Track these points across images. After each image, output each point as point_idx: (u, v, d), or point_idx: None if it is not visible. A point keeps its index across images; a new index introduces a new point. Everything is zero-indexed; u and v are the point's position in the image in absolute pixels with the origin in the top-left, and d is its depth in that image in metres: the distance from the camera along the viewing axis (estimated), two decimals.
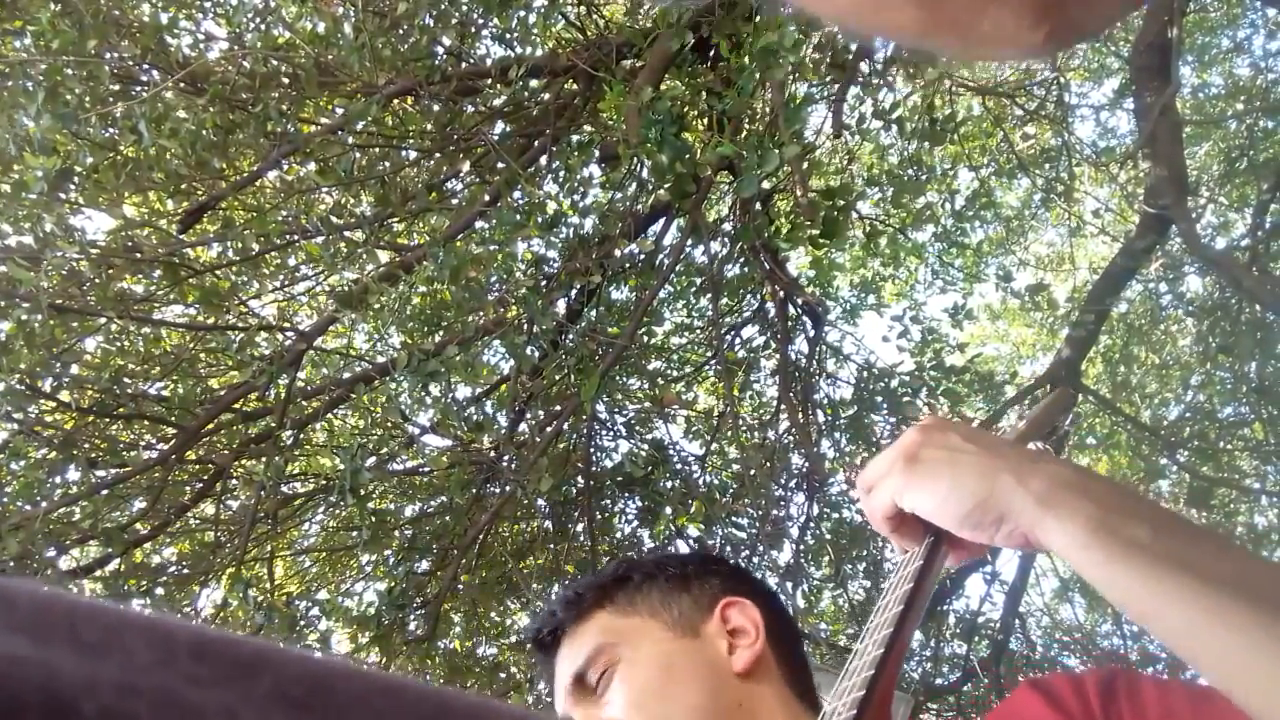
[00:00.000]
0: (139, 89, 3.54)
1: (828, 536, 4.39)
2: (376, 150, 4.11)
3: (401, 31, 3.41)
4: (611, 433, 4.76)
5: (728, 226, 4.30)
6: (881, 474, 0.64)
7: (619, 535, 4.70)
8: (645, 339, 4.84)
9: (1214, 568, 0.48)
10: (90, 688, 0.21)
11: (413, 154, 4.34)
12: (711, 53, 3.87)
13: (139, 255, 3.46)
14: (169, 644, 0.23)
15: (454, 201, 4.27)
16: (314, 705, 0.24)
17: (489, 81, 3.85)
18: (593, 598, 0.89)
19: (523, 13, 3.65)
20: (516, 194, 3.75)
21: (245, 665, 0.24)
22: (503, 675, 4.47)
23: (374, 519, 3.71)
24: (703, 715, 0.76)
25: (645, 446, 4.65)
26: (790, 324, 4.42)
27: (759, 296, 4.60)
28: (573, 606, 0.89)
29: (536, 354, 3.86)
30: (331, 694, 0.25)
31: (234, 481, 4.18)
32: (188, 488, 3.97)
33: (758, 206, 3.88)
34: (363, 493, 3.25)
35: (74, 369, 3.72)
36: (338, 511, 4.51)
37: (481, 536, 4.09)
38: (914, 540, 0.66)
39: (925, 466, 0.60)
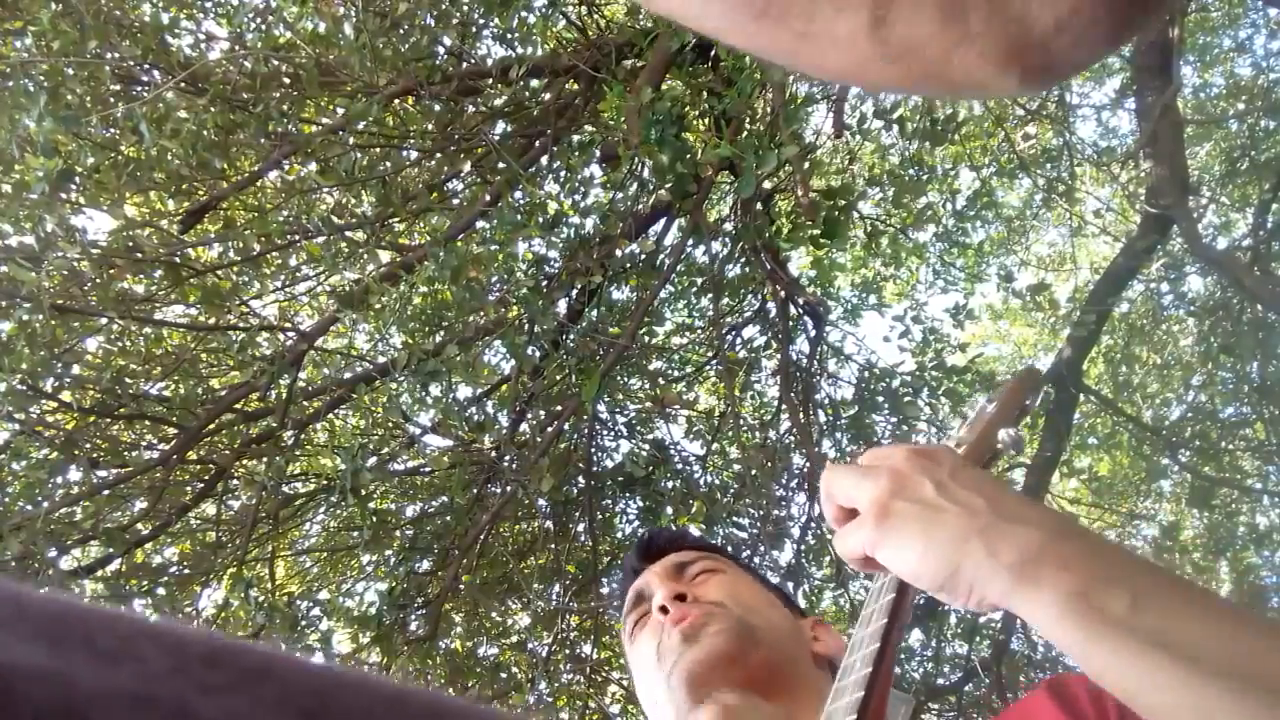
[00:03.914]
0: (140, 89, 3.54)
1: (829, 537, 4.39)
2: (377, 150, 4.11)
3: (402, 31, 3.42)
4: (612, 433, 4.76)
5: (729, 226, 4.30)
6: (850, 496, 0.63)
7: (620, 535, 4.69)
8: (646, 339, 4.84)
9: (1200, 645, 0.46)
10: (104, 699, 0.21)
11: (414, 154, 4.34)
12: (712, 53, 3.87)
13: (140, 255, 3.47)
14: (182, 651, 0.24)
15: (455, 201, 4.28)
16: (321, 713, 0.24)
17: (490, 81, 3.85)
18: (715, 547, 1.02)
19: (523, 13, 3.65)
20: (517, 194, 3.76)
21: (255, 672, 0.24)
22: (503, 676, 4.47)
23: (375, 519, 3.71)
24: (778, 629, 0.86)
25: (646, 446, 4.65)
26: (791, 324, 4.42)
27: (760, 296, 4.60)
28: (697, 539, 1.02)
29: (537, 354, 3.86)
30: (339, 703, 0.25)
31: (235, 482, 4.18)
32: (189, 488, 3.97)
33: (758, 206, 3.88)
34: (364, 493, 3.26)
35: (75, 369, 3.72)
36: (339, 512, 4.51)
37: (482, 536, 4.09)
38: (883, 570, 0.65)
39: (897, 524, 0.58)
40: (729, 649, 0.79)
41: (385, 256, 4.02)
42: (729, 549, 1.13)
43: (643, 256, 4.21)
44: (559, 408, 4.01)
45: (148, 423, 4.05)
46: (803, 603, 4.54)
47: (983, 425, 0.72)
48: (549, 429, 3.93)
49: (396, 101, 3.94)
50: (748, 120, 3.78)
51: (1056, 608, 0.50)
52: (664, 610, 0.86)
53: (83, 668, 0.22)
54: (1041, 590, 0.51)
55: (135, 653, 0.23)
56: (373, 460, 3.36)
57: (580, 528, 4.50)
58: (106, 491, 3.64)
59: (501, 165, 3.75)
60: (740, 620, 0.83)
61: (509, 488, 3.78)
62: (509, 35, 3.79)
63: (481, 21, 3.84)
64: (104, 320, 3.64)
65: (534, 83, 4.02)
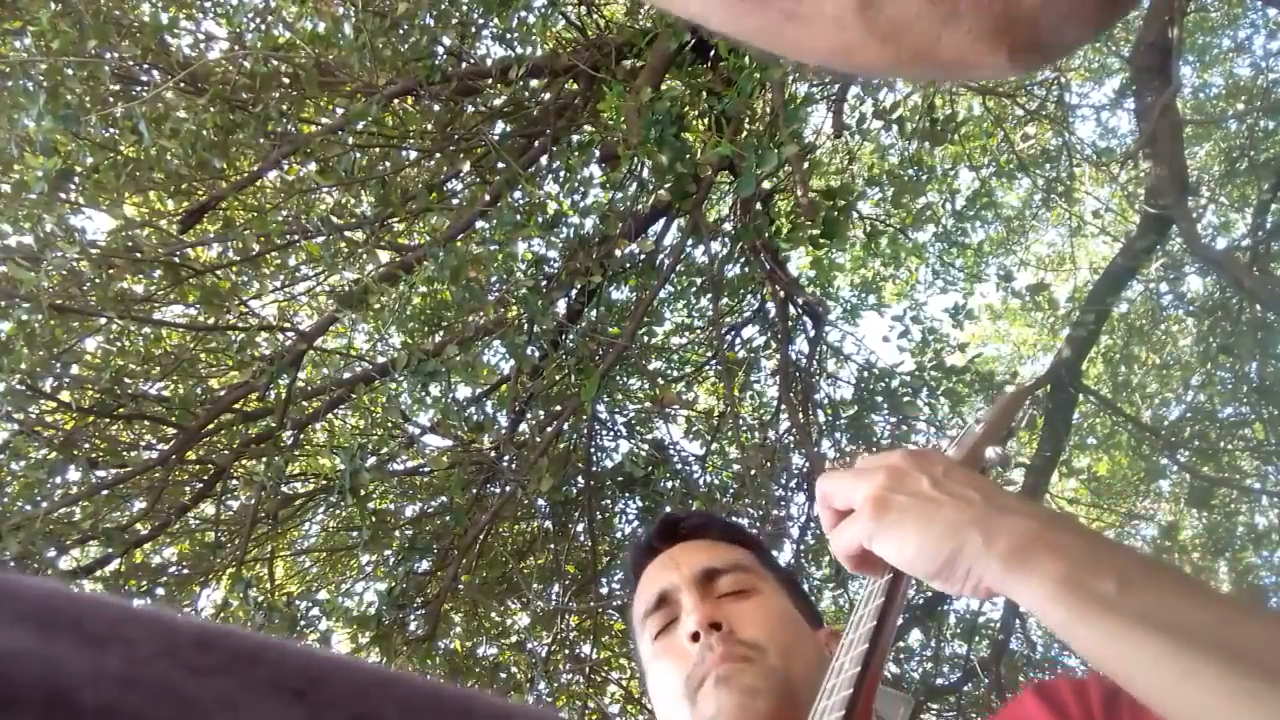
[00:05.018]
0: (139, 89, 3.54)
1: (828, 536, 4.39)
2: (377, 150, 4.11)
3: (402, 31, 3.41)
4: (612, 433, 4.76)
5: (728, 226, 4.30)
6: (847, 498, 0.64)
7: (619, 535, 4.70)
8: (645, 339, 4.84)
9: (1185, 623, 0.47)
10: (90, 680, 0.21)
11: (413, 154, 4.34)
12: (711, 53, 3.87)
13: (139, 255, 3.46)
14: (172, 635, 0.24)
15: (454, 201, 4.27)
16: (310, 695, 0.24)
17: (489, 81, 3.85)
18: (742, 535, 0.98)
19: (523, 13, 3.65)
20: (517, 194, 3.76)
21: (245, 655, 0.24)
22: (503, 675, 4.47)
23: (374, 519, 3.71)
24: (813, 676, 0.81)
25: (645, 446, 4.65)
26: (791, 324, 4.42)
27: (759, 296, 4.60)
28: (728, 527, 0.98)
29: (537, 354, 3.86)
30: (328, 685, 0.25)
31: (234, 482, 4.18)
32: (188, 488, 3.97)
33: (758, 206, 3.88)
34: (363, 493, 3.26)
35: (74, 369, 3.72)
36: (338, 511, 4.51)
37: (482, 536, 4.09)
38: (876, 571, 0.66)
39: (894, 517, 0.60)
40: (758, 714, 0.76)
41: (384, 256, 4.02)
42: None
43: (642, 256, 4.21)
44: (558, 408, 4.01)
45: (147, 423, 4.04)
46: None
47: (970, 444, 0.75)
48: (548, 429, 3.93)
49: (396, 101, 3.93)
50: (747, 120, 3.78)
51: (1048, 590, 0.52)
52: (694, 637, 0.82)
53: (70, 651, 0.22)
54: (1034, 575, 0.53)
55: (124, 636, 0.23)
56: (372, 460, 3.36)
57: (579, 528, 4.50)
58: (105, 491, 3.64)
59: (501, 165, 3.74)
60: (781, 677, 0.79)
61: (508, 488, 3.78)
62: (508, 35, 3.79)
63: (481, 21, 3.84)
64: (103, 320, 3.64)
65: (533, 83, 4.02)
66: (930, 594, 4.42)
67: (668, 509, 4.20)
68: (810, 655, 0.84)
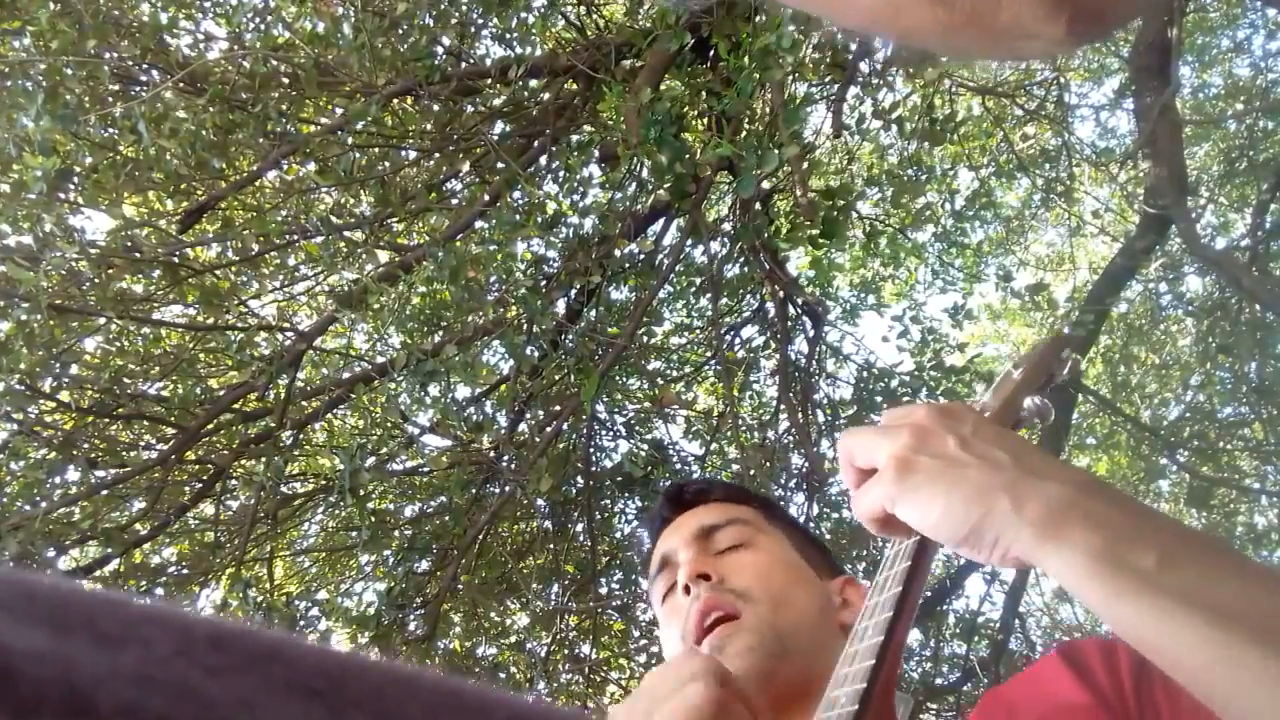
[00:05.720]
0: (138, 89, 3.54)
1: (827, 536, 4.39)
2: (376, 150, 4.11)
3: (401, 31, 3.41)
4: (611, 433, 4.76)
5: (727, 226, 4.30)
6: (870, 456, 0.61)
7: (619, 535, 4.70)
8: (645, 339, 4.84)
9: (1228, 602, 0.44)
10: (107, 680, 0.21)
11: (412, 154, 4.34)
12: (711, 53, 3.87)
13: (139, 255, 3.46)
14: (187, 635, 0.24)
15: (454, 201, 4.27)
16: (328, 694, 0.24)
17: (489, 81, 3.85)
18: (746, 495, 0.98)
19: (522, 13, 3.65)
20: (516, 194, 3.76)
21: (261, 655, 0.24)
22: (502, 676, 4.47)
23: (374, 519, 3.71)
24: (809, 624, 0.82)
25: (645, 446, 4.65)
26: (790, 324, 4.42)
27: (759, 296, 4.60)
28: (727, 488, 0.99)
29: (536, 354, 3.86)
30: (346, 684, 0.25)
31: (234, 482, 4.18)
32: (187, 488, 3.96)
33: (757, 206, 3.88)
34: (362, 493, 3.25)
35: (74, 369, 3.72)
36: (337, 512, 4.51)
37: (481, 536, 4.09)
38: (902, 534, 0.63)
39: (919, 480, 0.56)
40: (757, 670, 0.77)
41: (384, 256, 4.02)
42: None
43: (641, 256, 4.21)
44: (558, 408, 4.01)
45: (146, 423, 4.04)
46: None
47: (1008, 391, 0.70)
48: (548, 429, 3.93)
49: (395, 101, 3.93)
50: (747, 120, 3.78)
51: (1083, 563, 0.48)
52: (687, 590, 0.83)
53: (85, 651, 0.22)
54: (1068, 546, 0.49)
55: (139, 636, 0.23)
56: (371, 460, 3.36)
57: (579, 528, 4.50)
58: (105, 491, 3.64)
59: (500, 165, 3.74)
60: (770, 628, 0.79)
61: (508, 488, 3.78)
62: (508, 35, 3.79)
63: (480, 21, 3.84)
64: (102, 320, 3.64)
65: (533, 83, 4.02)
66: (929, 594, 4.42)
67: None
68: (809, 602, 0.84)
